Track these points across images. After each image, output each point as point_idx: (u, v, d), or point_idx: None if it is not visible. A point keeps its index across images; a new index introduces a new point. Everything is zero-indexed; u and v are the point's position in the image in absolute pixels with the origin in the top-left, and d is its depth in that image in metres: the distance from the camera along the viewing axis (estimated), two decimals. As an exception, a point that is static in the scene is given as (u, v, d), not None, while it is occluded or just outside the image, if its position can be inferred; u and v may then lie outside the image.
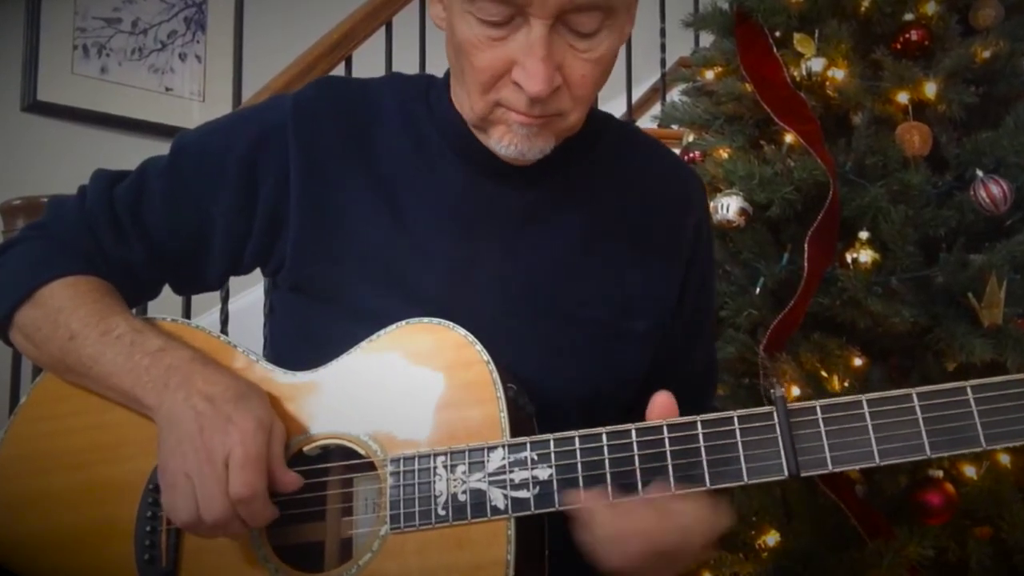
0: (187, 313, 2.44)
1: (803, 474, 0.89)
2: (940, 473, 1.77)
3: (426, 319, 1.02)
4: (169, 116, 3.76)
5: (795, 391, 1.79)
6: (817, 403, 0.90)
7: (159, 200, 1.14)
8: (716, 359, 1.31)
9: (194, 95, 3.90)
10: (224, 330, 2.46)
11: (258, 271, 1.20)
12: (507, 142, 1.02)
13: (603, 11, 0.97)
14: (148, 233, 1.14)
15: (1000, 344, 1.78)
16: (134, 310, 1.17)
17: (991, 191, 1.85)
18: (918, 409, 0.88)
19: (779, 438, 0.90)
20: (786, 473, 0.89)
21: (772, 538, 1.82)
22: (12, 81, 3.58)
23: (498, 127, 1.02)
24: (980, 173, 1.88)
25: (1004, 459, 1.78)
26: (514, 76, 0.97)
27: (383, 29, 2.80)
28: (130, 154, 1.28)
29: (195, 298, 2.41)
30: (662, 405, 0.94)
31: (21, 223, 2.01)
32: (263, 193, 1.11)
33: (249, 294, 3.05)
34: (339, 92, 1.15)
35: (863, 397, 0.89)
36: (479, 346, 0.99)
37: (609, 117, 1.18)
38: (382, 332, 1.03)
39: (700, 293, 1.20)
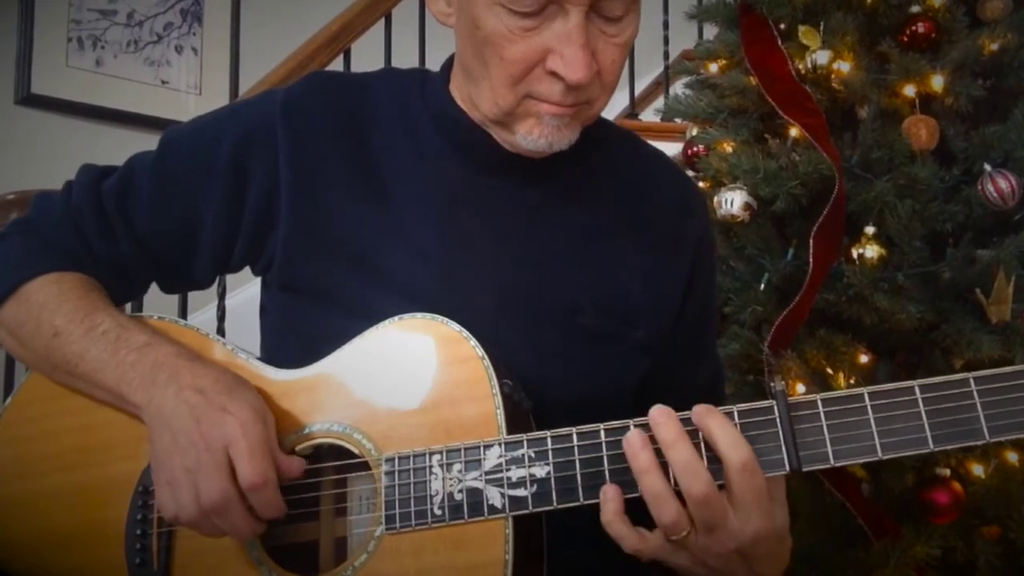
0: (183, 309, 2.43)
1: (805, 468, 0.88)
2: (947, 472, 1.76)
3: (419, 314, 1.00)
4: (165, 109, 3.76)
5: (800, 388, 1.78)
6: (818, 396, 0.89)
7: (146, 196, 1.12)
8: (722, 372, 1.29)
9: (190, 88, 3.90)
10: (221, 326, 2.45)
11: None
12: (536, 135, 1.01)
13: None
14: (135, 229, 1.13)
15: (1008, 340, 1.77)
16: (128, 306, 1.15)
17: (999, 185, 1.84)
18: (920, 402, 0.87)
19: (780, 432, 0.89)
20: (787, 468, 0.88)
21: (777, 537, 1.80)
22: (6, 74, 3.58)
23: (526, 121, 1.01)
24: (988, 167, 1.86)
25: (1012, 457, 1.77)
26: (550, 66, 0.96)
27: (382, 21, 2.80)
28: (125, 148, 1.27)
29: (192, 294, 2.39)
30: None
31: (15, 218, 1.98)
32: (252, 190, 1.09)
33: (247, 290, 3.04)
34: (331, 87, 1.13)
35: (864, 390, 0.88)
36: (474, 341, 0.97)
37: (611, 124, 1.17)
38: (375, 328, 1.01)
39: (702, 304, 1.19)
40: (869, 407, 0.88)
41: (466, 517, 0.94)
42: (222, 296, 2.50)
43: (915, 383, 0.87)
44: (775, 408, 0.89)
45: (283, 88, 1.15)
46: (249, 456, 0.92)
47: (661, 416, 0.89)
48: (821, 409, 0.89)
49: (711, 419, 0.88)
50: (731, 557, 0.89)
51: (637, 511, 0.90)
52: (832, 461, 0.88)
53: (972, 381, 0.86)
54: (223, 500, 0.92)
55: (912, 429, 0.87)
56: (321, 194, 1.08)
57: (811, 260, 1.81)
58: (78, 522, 1.05)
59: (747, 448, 0.87)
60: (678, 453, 0.87)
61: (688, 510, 0.88)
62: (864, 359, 1.84)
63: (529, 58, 0.97)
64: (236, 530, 0.95)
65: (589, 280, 1.09)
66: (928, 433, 0.86)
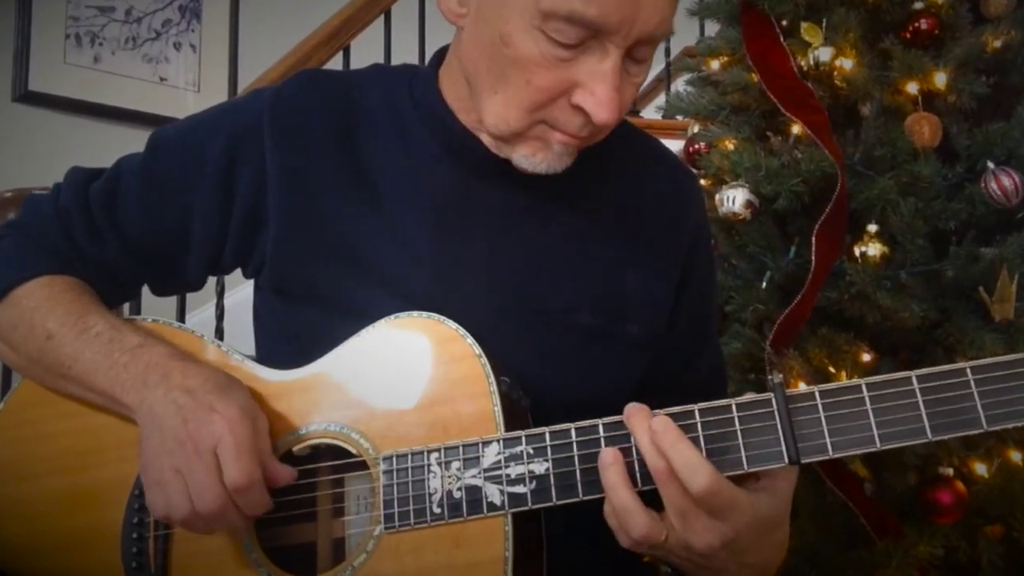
0: (182, 308, 2.43)
1: (803, 460, 0.88)
2: (950, 471, 1.75)
3: (415, 313, 0.99)
4: (163, 106, 3.76)
5: (802, 387, 1.75)
6: (816, 388, 0.89)
7: (134, 198, 1.11)
8: (724, 365, 1.28)
9: (189, 85, 3.89)
10: (220, 325, 2.44)
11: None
12: (539, 159, 1.00)
13: (659, 41, 0.97)
14: (123, 232, 1.12)
15: (1011, 339, 1.77)
16: (127, 306, 1.14)
17: (1002, 183, 1.83)
18: (918, 392, 0.86)
19: (778, 424, 0.88)
20: (786, 459, 0.88)
21: (778, 537, 1.79)
22: (3, 71, 3.58)
23: (531, 143, 0.99)
24: (991, 165, 1.86)
25: (1016, 456, 1.77)
26: (577, 100, 0.94)
27: (381, 18, 2.78)
28: (123, 145, 1.26)
29: (190, 293, 2.38)
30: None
31: (13, 215, 1.98)
32: (240, 191, 1.08)
33: (246, 288, 3.03)
34: (320, 85, 1.12)
35: (862, 381, 0.88)
36: (470, 339, 0.97)
37: None
38: (370, 327, 1.01)
39: (701, 296, 1.17)
40: (867, 398, 0.87)
41: (465, 515, 0.93)
42: (221, 294, 2.49)
43: (912, 373, 0.87)
44: (773, 401, 0.89)
45: (271, 87, 1.13)
46: (235, 456, 0.92)
47: (630, 412, 0.89)
48: (819, 401, 0.88)
49: (665, 441, 0.87)
50: (717, 553, 0.88)
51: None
52: (831, 452, 0.87)
53: (969, 371, 0.86)
54: (220, 507, 0.92)
55: (910, 419, 0.86)
56: (312, 194, 1.07)
57: (813, 258, 1.80)
58: (74, 525, 1.04)
59: (706, 474, 0.85)
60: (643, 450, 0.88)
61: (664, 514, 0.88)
62: (866, 358, 1.83)
63: (556, 88, 0.95)
64: (231, 529, 0.96)
65: (584, 278, 1.08)
66: (926, 423, 0.86)
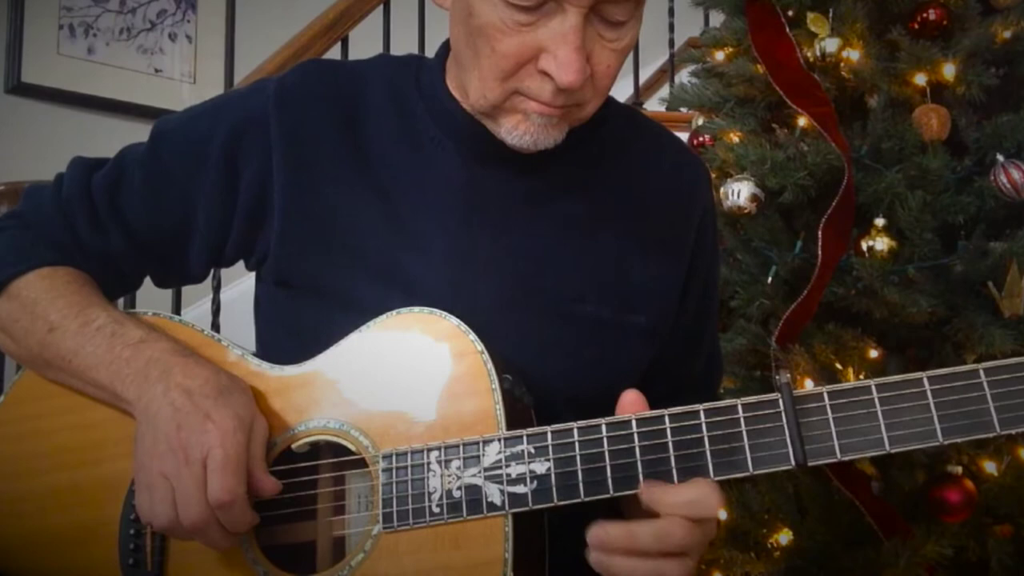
0: (177, 303, 2.42)
1: (811, 463, 0.87)
2: (959, 469, 1.75)
3: (417, 308, 0.99)
4: (158, 98, 3.75)
5: (808, 384, 1.76)
6: (824, 389, 0.88)
7: (138, 189, 1.11)
8: (720, 353, 1.28)
9: (184, 77, 3.89)
10: (216, 321, 2.44)
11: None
12: (522, 131, 0.99)
13: (636, 1, 0.95)
14: (127, 223, 1.11)
15: (1021, 335, 1.76)
16: (121, 301, 1.13)
17: (1012, 176, 1.82)
18: (929, 394, 0.86)
19: (785, 426, 0.87)
20: (793, 462, 0.87)
21: (785, 536, 1.80)
22: (-4, 63, 3.56)
23: (512, 116, 0.99)
24: (1000, 157, 1.85)
25: (1026, 454, 1.74)
26: (542, 65, 0.94)
27: (380, 8, 2.78)
28: (118, 138, 1.25)
29: (186, 288, 2.37)
30: (632, 403, 0.92)
31: (5, 209, 1.98)
32: (245, 182, 1.08)
33: (242, 283, 3.03)
34: (325, 76, 1.11)
35: (872, 382, 0.87)
36: (472, 335, 0.96)
37: (612, 101, 1.15)
38: (372, 323, 1.00)
39: (705, 287, 1.17)
40: (876, 399, 0.87)
41: (465, 515, 0.92)
42: (217, 290, 2.49)
43: (923, 375, 0.86)
44: (780, 401, 0.88)
45: (276, 77, 1.13)
46: (221, 471, 0.91)
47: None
48: (827, 402, 0.87)
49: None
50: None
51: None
52: (839, 455, 0.86)
53: (982, 372, 0.85)
54: (202, 520, 0.92)
55: (921, 422, 0.85)
56: (317, 187, 1.06)
57: (819, 253, 1.80)
58: (71, 521, 1.04)
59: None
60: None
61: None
62: (874, 354, 1.82)
63: (521, 54, 0.95)
64: (213, 544, 0.95)
65: (590, 268, 1.07)
66: (937, 425, 0.85)
